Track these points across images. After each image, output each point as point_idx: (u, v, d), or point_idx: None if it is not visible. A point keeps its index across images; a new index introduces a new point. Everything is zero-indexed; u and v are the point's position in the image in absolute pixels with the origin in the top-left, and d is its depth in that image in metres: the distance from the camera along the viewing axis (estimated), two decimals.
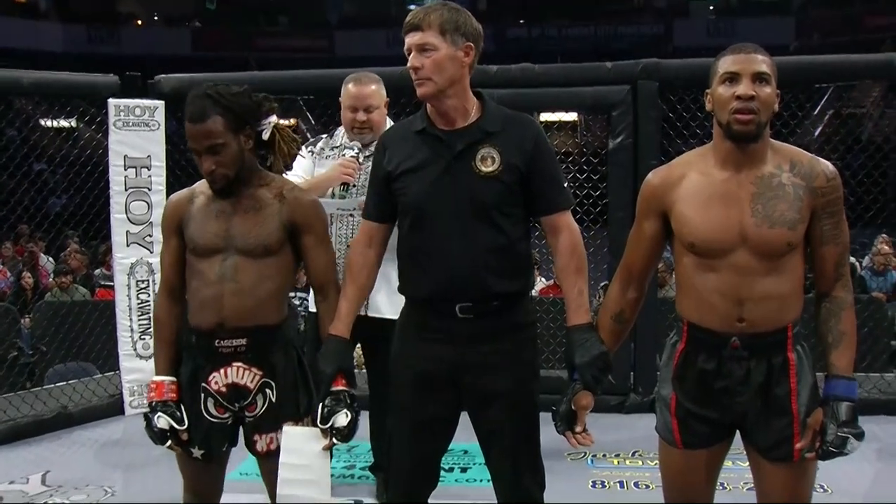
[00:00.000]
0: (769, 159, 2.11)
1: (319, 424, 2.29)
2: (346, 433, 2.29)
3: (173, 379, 2.39)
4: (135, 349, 4.64)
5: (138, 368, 4.64)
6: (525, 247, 2.34)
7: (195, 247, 2.36)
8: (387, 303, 3.02)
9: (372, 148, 3.15)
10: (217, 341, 2.33)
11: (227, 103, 2.28)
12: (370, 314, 3.04)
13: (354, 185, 3.13)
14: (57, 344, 5.64)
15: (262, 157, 2.48)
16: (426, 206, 2.25)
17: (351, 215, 3.07)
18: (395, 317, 2.94)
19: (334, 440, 2.28)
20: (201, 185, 2.43)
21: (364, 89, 3.16)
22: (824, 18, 22.98)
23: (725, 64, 2.09)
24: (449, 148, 2.25)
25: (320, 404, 2.30)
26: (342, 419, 2.27)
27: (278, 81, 4.80)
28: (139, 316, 4.63)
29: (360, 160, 3.13)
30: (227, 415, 2.37)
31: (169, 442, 2.34)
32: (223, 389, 2.35)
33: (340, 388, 2.30)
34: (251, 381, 2.34)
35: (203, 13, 25.95)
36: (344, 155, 3.17)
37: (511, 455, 2.33)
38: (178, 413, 2.35)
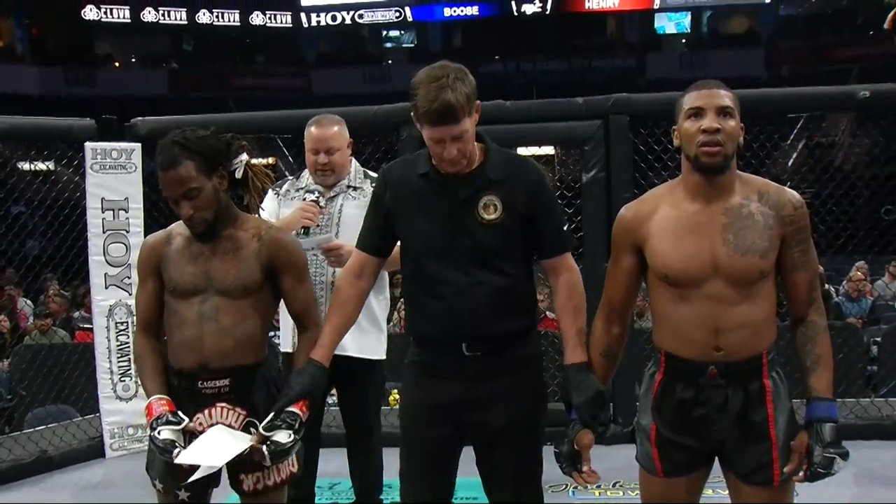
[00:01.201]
0: (738, 190, 2.16)
1: (261, 430, 2.27)
2: (279, 452, 2.25)
3: (162, 395, 2.35)
4: (115, 391, 4.61)
5: (118, 410, 4.60)
6: (528, 285, 2.38)
7: (174, 288, 2.37)
8: (352, 341, 2.99)
9: (336, 189, 3.20)
10: (200, 382, 2.33)
11: (197, 147, 2.31)
12: (336, 352, 3.04)
13: (318, 226, 3.14)
14: (36, 387, 5.59)
15: (240, 197, 2.50)
16: (429, 251, 2.29)
17: (315, 255, 3.09)
18: (360, 355, 2.96)
19: (264, 451, 2.25)
20: (178, 227, 2.44)
21: (326, 131, 3.17)
22: (793, 50, 23.40)
23: (690, 100, 2.15)
24: (452, 195, 2.28)
25: (271, 414, 2.28)
26: (283, 437, 2.25)
27: (256, 121, 4.84)
28: (119, 358, 4.61)
29: (322, 204, 3.15)
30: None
31: (178, 450, 2.26)
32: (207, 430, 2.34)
33: (296, 410, 2.28)
34: (235, 421, 2.34)
35: (180, 54, 26.05)
36: (305, 199, 3.18)
37: (514, 488, 2.35)
38: (175, 418, 2.30)
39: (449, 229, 2.27)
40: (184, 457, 2.23)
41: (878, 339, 6.52)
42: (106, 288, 4.60)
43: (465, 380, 2.30)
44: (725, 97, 2.13)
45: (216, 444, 2.26)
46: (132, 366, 4.60)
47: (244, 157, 2.43)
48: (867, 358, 6.27)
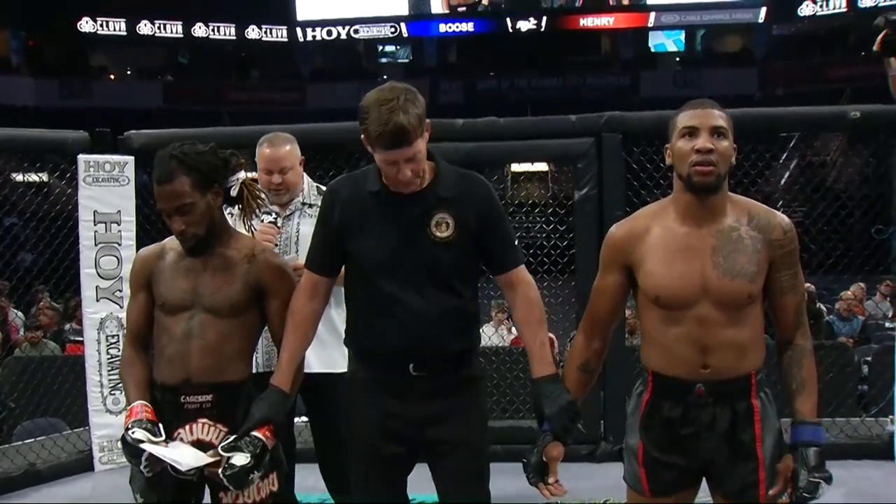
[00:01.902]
0: (728, 212, 2.17)
1: (220, 449, 2.26)
2: (234, 475, 2.23)
3: (146, 403, 2.34)
4: (105, 404, 4.59)
5: (108, 424, 4.58)
6: (475, 305, 2.40)
7: (164, 303, 2.38)
8: (315, 357, 2.95)
9: (291, 207, 3.19)
10: (183, 397, 2.34)
11: (194, 163, 2.32)
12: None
13: (276, 246, 3.14)
14: (25, 400, 5.57)
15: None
16: (380, 269, 2.28)
17: None
18: (325, 370, 2.93)
19: (219, 472, 2.23)
20: (171, 241, 2.45)
21: (278, 151, 3.16)
22: (787, 69, 23.54)
23: (684, 119, 2.15)
24: (405, 213, 2.27)
25: (231, 437, 2.28)
26: (239, 459, 2.24)
27: (250, 135, 4.83)
28: (109, 371, 4.60)
29: (279, 224, 3.15)
30: (192, 471, 2.35)
31: (146, 463, 2.25)
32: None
33: (259, 435, 2.27)
34: (216, 438, 2.34)
35: (175, 67, 26.07)
36: (262, 220, 3.18)
37: (468, 500, 2.35)
38: (155, 428, 2.29)
39: (401, 248, 2.26)
40: (151, 449, 2.24)
41: (869, 358, 6.53)
42: (97, 301, 4.59)
43: (414, 398, 2.30)
44: (719, 117, 2.14)
45: (182, 451, 2.28)
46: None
47: (241, 174, 2.44)
48: (858, 377, 6.27)
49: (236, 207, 2.57)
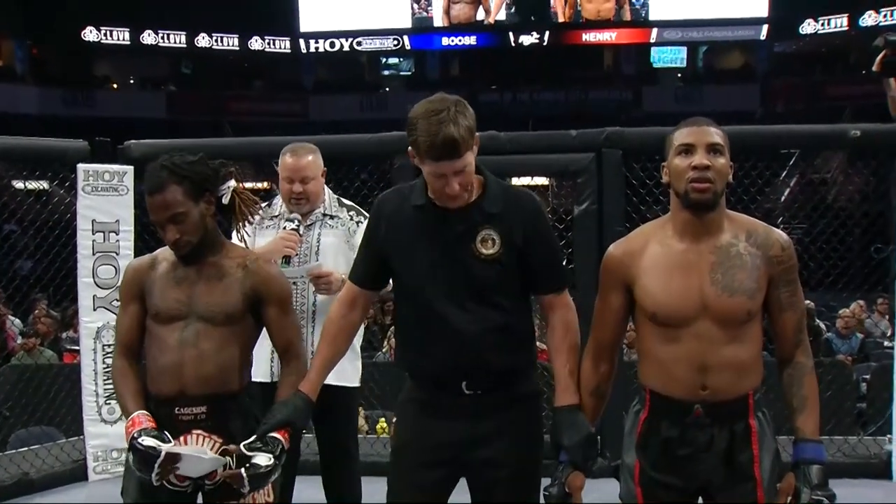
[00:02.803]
0: (726, 229, 2.16)
1: (242, 448, 2.25)
2: (258, 475, 2.22)
3: (146, 413, 2.31)
4: (100, 414, 4.57)
5: (103, 433, 4.56)
6: (527, 321, 2.34)
7: (157, 313, 2.36)
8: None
9: (312, 217, 3.19)
10: (177, 409, 2.32)
11: (185, 173, 2.32)
12: None
13: (297, 256, 3.14)
14: (20, 408, 5.55)
15: (226, 221, 2.51)
16: (425, 287, 2.23)
17: (294, 283, 3.08)
18: (338, 383, 2.92)
19: (242, 473, 2.21)
20: (163, 252, 2.44)
21: (300, 161, 3.16)
22: (788, 87, 23.62)
23: (680, 137, 2.15)
24: (450, 229, 2.23)
25: (252, 437, 2.27)
26: (262, 460, 2.23)
27: (252, 146, 4.84)
28: (105, 380, 4.57)
29: (301, 232, 3.15)
30: (186, 483, 2.33)
31: (159, 469, 2.21)
32: None
33: (278, 436, 2.27)
34: (211, 449, 2.32)
35: (178, 77, 26.15)
36: (284, 227, 3.17)
37: None
38: (163, 435, 2.26)
39: (446, 264, 2.22)
40: (170, 448, 2.22)
41: (867, 376, 6.51)
42: (94, 310, 4.57)
43: (466, 418, 2.25)
44: (716, 135, 2.13)
45: (200, 451, 2.27)
46: None
47: (232, 183, 2.44)
48: (856, 395, 6.25)
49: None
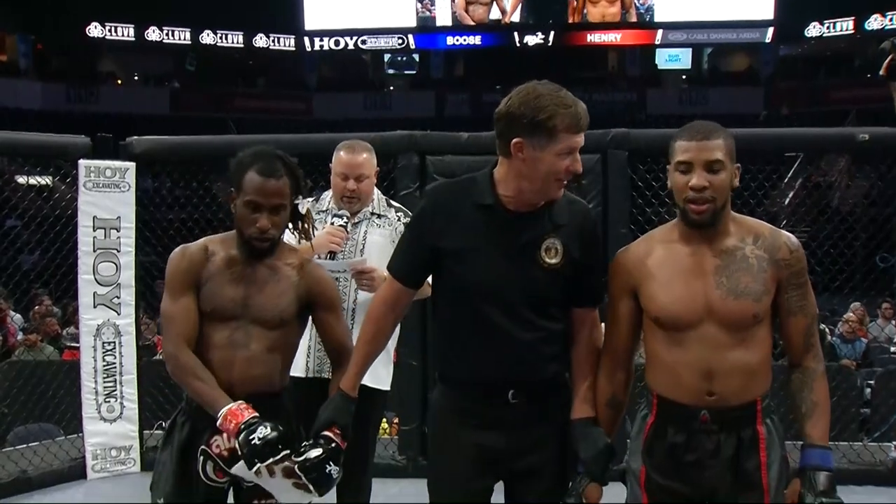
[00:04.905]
0: (732, 232, 2.14)
1: (294, 457, 2.19)
2: (312, 467, 2.17)
3: (240, 401, 2.24)
4: (99, 411, 4.56)
5: (102, 431, 4.55)
6: (568, 329, 2.30)
7: (212, 310, 2.33)
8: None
9: (360, 216, 3.16)
10: None
11: (293, 169, 2.34)
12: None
13: (342, 252, 3.11)
14: (19, 405, 5.52)
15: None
16: (482, 291, 2.18)
17: (337, 279, 3.05)
18: (370, 384, 2.89)
19: (297, 472, 2.17)
20: (213, 243, 2.40)
21: (356, 157, 3.13)
22: (792, 90, 23.58)
23: (679, 151, 2.10)
24: (516, 234, 2.18)
25: (303, 445, 2.23)
26: (314, 452, 2.19)
27: (256, 144, 4.81)
28: (105, 378, 4.56)
29: (348, 229, 3.13)
30: (225, 479, 2.32)
31: (272, 458, 2.15)
32: (224, 453, 2.30)
33: (328, 434, 2.22)
34: None
35: (182, 74, 26.14)
36: (332, 223, 3.14)
37: None
38: (272, 424, 2.18)
39: (508, 270, 2.16)
40: (261, 482, 2.20)
41: (872, 381, 6.48)
42: (94, 307, 4.55)
43: (510, 428, 2.22)
44: (715, 149, 2.08)
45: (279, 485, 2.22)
46: (117, 387, 4.56)
47: (310, 199, 2.50)
48: (860, 401, 6.22)
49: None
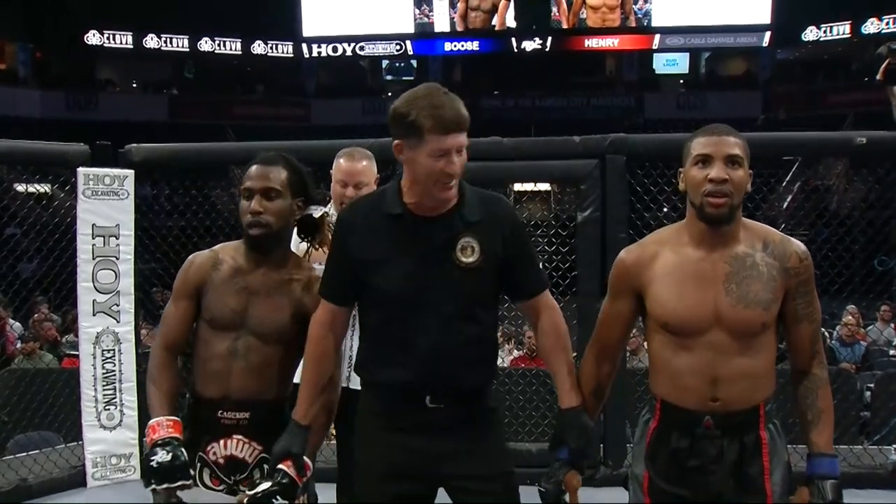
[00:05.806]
0: (742, 238, 2.14)
1: (247, 492, 2.22)
2: (257, 501, 2.18)
3: (171, 417, 2.28)
4: (99, 419, 4.55)
5: (102, 439, 4.53)
6: (495, 334, 2.34)
7: (212, 318, 2.35)
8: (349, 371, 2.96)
9: None
10: (220, 412, 2.31)
11: (294, 166, 2.37)
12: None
13: None
14: (19, 413, 5.51)
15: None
16: (402, 298, 2.18)
17: None
18: (356, 386, 2.91)
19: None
20: (225, 251, 2.42)
21: (356, 165, 3.13)
22: (790, 94, 23.59)
23: (699, 146, 2.10)
24: (429, 238, 2.18)
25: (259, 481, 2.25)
26: (263, 486, 2.20)
27: (254, 151, 4.81)
28: (104, 386, 4.55)
29: None
30: (221, 487, 2.33)
31: (180, 482, 2.20)
32: (220, 461, 2.32)
33: (282, 467, 2.23)
34: (250, 455, 2.33)
35: (181, 81, 26.14)
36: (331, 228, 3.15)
37: None
38: (179, 451, 2.24)
39: (424, 275, 2.17)
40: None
41: (872, 385, 6.47)
42: (93, 315, 4.54)
43: (429, 432, 2.21)
44: (735, 145, 2.10)
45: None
46: (117, 394, 4.55)
47: (326, 208, 2.49)
48: (860, 404, 6.21)
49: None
